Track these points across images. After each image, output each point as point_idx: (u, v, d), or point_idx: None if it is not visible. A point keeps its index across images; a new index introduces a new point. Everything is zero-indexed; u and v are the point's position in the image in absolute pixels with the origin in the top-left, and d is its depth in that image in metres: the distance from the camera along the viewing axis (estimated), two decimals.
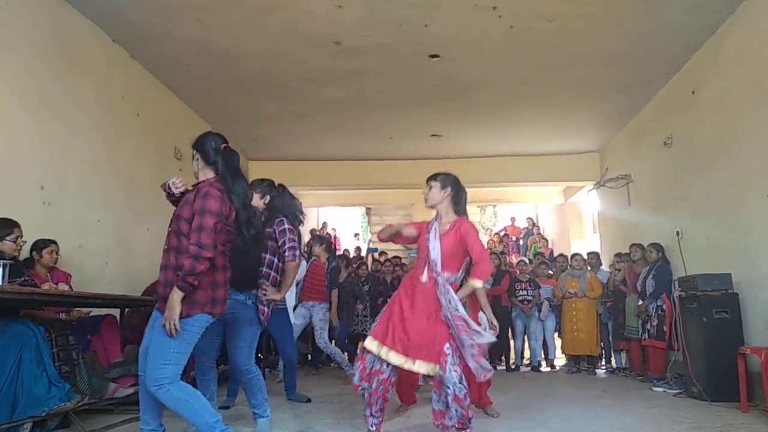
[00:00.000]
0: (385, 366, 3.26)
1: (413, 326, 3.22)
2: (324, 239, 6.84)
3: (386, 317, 3.34)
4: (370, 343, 3.28)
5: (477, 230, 3.47)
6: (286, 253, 3.70)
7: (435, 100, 7.01)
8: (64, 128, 4.72)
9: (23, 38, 4.28)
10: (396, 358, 3.20)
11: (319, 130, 8.09)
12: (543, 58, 5.89)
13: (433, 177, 3.49)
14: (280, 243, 3.70)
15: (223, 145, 2.96)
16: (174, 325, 2.59)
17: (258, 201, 3.70)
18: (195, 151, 2.96)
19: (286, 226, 3.74)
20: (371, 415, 3.34)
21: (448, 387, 3.11)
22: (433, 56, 5.81)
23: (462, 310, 3.18)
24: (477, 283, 3.26)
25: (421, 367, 3.17)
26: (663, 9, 4.96)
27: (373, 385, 3.27)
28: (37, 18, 4.44)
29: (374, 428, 3.35)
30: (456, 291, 3.26)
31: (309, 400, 4.80)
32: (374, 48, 5.61)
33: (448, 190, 3.43)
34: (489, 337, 3.20)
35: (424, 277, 3.31)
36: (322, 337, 5.89)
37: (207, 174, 2.93)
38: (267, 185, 3.85)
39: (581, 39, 5.48)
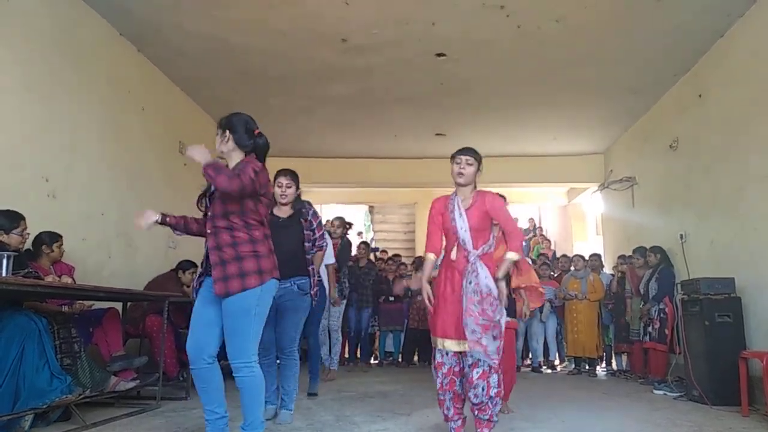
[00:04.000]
0: (445, 357, 3.15)
1: (456, 309, 3.11)
2: (345, 221, 6.70)
3: (436, 309, 3.22)
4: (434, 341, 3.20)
5: (503, 199, 3.33)
6: (319, 242, 3.85)
7: (441, 98, 7.00)
8: (70, 121, 4.72)
9: (31, 30, 4.28)
10: (451, 344, 3.11)
11: (324, 127, 8.08)
12: (550, 59, 5.87)
13: (465, 152, 3.28)
14: (315, 228, 3.84)
15: (256, 130, 2.91)
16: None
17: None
18: (226, 131, 2.86)
19: (317, 211, 3.88)
20: (445, 418, 3.21)
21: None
22: (439, 55, 5.80)
23: (494, 289, 3.07)
24: (515, 256, 3.17)
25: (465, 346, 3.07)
26: (672, 11, 4.94)
27: (439, 382, 3.17)
28: (45, 10, 4.44)
29: None
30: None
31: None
32: (381, 46, 5.60)
33: (477, 166, 3.29)
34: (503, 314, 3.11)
35: (454, 255, 3.20)
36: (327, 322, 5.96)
37: (237, 156, 2.88)
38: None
39: (588, 40, 5.46)
